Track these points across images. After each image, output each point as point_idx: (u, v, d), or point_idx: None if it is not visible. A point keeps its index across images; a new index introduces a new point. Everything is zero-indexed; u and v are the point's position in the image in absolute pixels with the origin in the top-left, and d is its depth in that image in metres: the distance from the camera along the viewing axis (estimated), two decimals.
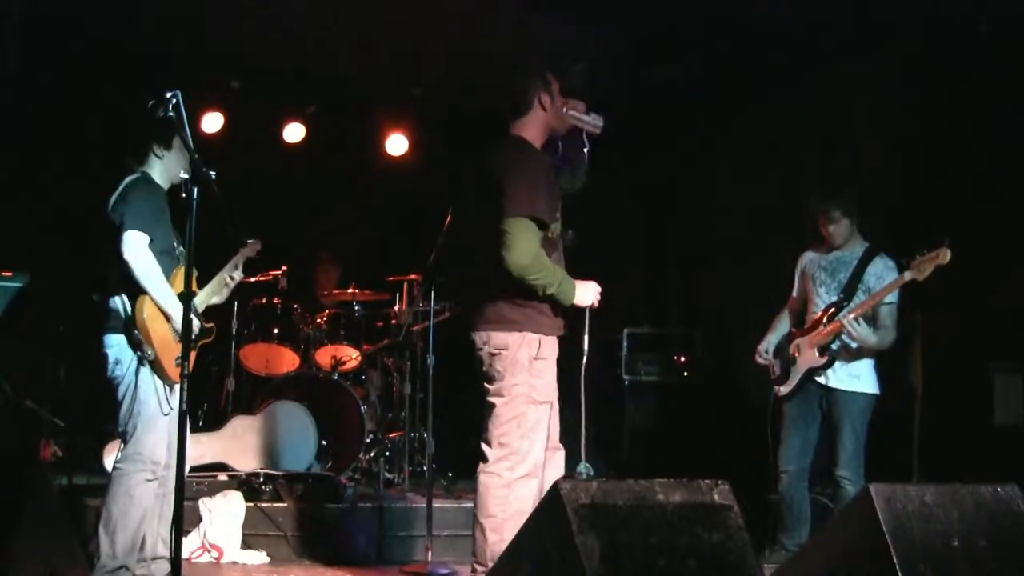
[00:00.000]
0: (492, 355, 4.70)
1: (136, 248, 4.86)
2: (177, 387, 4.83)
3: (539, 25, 7.58)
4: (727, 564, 3.26)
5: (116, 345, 4.96)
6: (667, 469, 3.90)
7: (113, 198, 5.01)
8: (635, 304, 9.00)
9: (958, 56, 6.58)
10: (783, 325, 6.22)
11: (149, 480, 4.92)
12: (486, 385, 4.75)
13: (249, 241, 5.44)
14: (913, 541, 3.51)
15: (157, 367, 4.92)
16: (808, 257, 6.17)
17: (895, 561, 3.43)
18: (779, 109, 7.86)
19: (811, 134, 7.55)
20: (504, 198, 4.59)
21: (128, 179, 5.05)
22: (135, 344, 4.89)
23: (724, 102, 8.26)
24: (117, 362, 4.96)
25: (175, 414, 4.78)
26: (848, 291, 5.84)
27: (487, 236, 4.64)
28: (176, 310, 4.89)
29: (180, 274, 5.04)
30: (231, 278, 5.37)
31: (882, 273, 5.82)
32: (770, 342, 6.18)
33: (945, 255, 5.36)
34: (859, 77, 7.27)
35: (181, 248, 5.08)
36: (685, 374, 8.60)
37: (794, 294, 6.24)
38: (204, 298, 5.30)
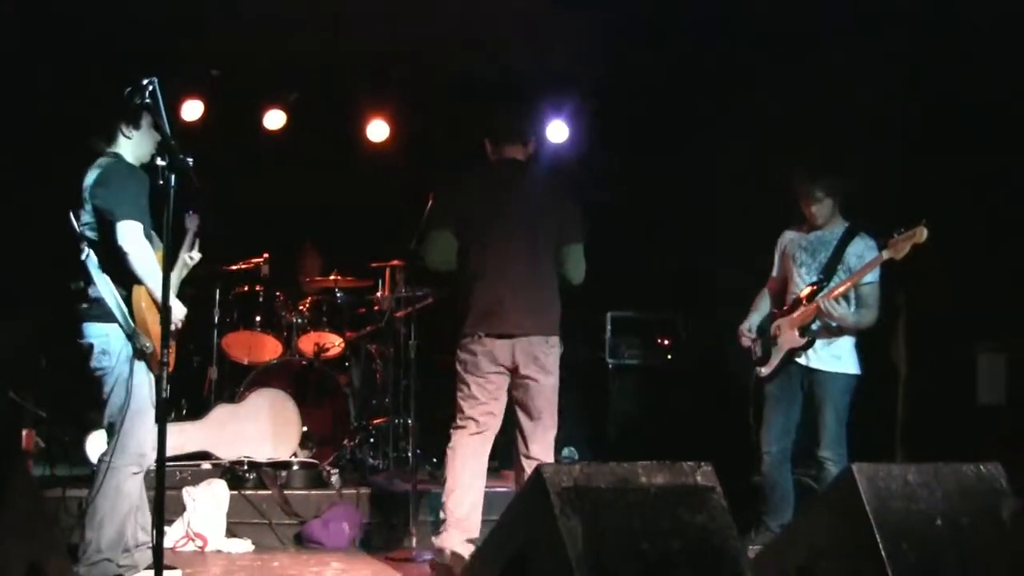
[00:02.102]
0: (553, 351, 5.38)
1: (133, 238, 4.76)
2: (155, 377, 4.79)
3: (527, 8, 7.54)
4: (710, 545, 3.26)
5: (103, 335, 4.84)
6: (651, 452, 3.90)
7: (90, 181, 4.90)
8: (618, 288, 9.00)
9: (948, 39, 6.58)
10: (764, 304, 6.21)
11: (136, 473, 4.86)
12: (545, 377, 5.34)
13: (187, 214, 5.37)
14: (896, 520, 3.52)
15: (151, 359, 4.82)
16: (788, 237, 6.16)
17: (878, 540, 3.44)
18: (767, 96, 7.84)
19: (801, 121, 7.53)
20: (574, 225, 5.42)
21: (105, 162, 4.94)
22: (133, 337, 4.79)
23: (712, 89, 8.24)
24: (104, 352, 4.84)
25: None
26: (828, 271, 5.84)
27: (544, 252, 5.38)
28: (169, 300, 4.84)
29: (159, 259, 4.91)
30: (190, 258, 5.30)
31: (863, 253, 5.82)
32: (752, 321, 6.17)
33: (922, 234, 5.39)
34: (849, 66, 7.24)
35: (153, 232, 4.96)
36: (669, 357, 8.60)
37: (774, 274, 6.23)
38: (174, 283, 5.15)
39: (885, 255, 5.56)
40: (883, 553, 3.42)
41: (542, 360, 5.32)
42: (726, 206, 8.36)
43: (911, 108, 6.96)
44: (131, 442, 4.81)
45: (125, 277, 4.81)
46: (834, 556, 3.67)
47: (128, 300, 4.82)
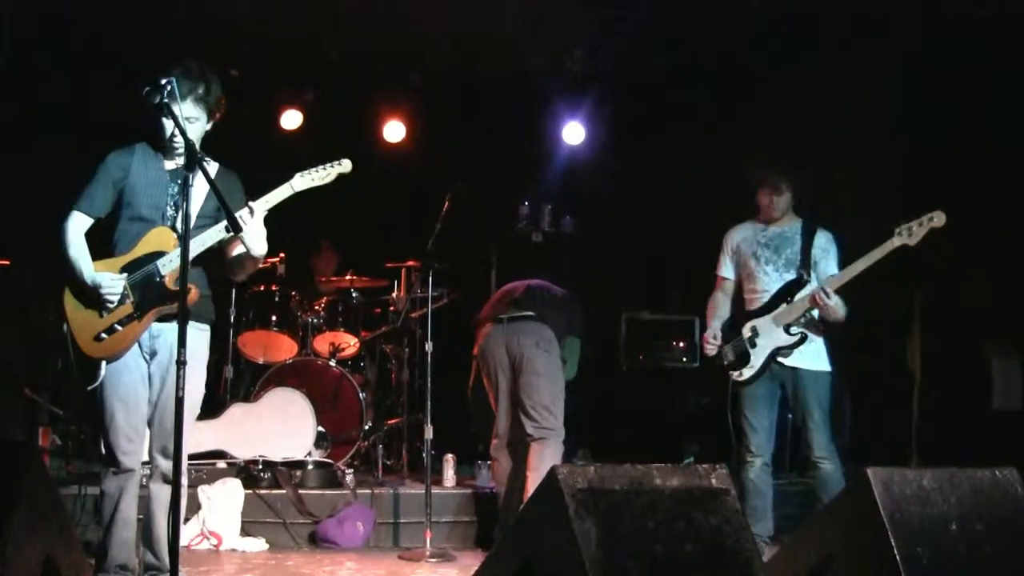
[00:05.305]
0: None
1: (59, 229, 4.57)
2: (107, 364, 4.56)
3: (541, 9, 7.55)
4: (724, 548, 3.26)
5: None
6: (665, 454, 3.91)
7: None
8: (634, 290, 9.00)
9: (955, 41, 6.56)
10: (724, 308, 6.00)
11: (115, 473, 4.55)
12: None
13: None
14: (911, 525, 3.51)
15: (74, 346, 4.55)
16: (740, 235, 5.98)
17: (893, 544, 3.43)
18: (781, 97, 7.82)
19: (811, 122, 7.52)
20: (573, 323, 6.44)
21: None
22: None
23: (727, 89, 8.23)
24: None
25: (137, 401, 4.57)
26: (805, 265, 5.67)
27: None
28: (95, 279, 4.49)
29: (155, 235, 4.64)
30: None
31: (826, 246, 5.67)
32: (715, 327, 5.95)
33: (941, 218, 5.18)
34: (857, 65, 7.24)
35: (171, 212, 4.70)
36: (683, 360, 8.59)
37: (727, 275, 6.02)
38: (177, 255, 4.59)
39: (897, 241, 5.33)
40: (897, 557, 3.41)
41: None
42: (741, 208, 8.34)
43: (920, 110, 6.94)
44: (102, 440, 4.61)
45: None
46: (848, 560, 3.66)
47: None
